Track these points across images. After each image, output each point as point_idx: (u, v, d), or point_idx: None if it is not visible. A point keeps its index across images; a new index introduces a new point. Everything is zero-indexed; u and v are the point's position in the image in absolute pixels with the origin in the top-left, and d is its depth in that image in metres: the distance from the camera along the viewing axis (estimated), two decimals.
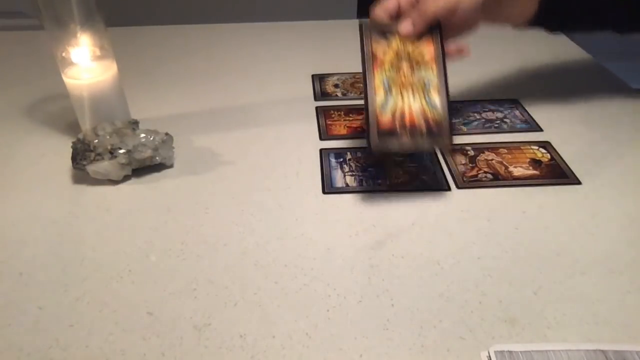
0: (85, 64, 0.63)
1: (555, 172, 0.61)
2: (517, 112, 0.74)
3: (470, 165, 0.63)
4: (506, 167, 0.62)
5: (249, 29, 1.07)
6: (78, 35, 0.60)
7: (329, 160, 0.64)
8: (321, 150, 0.66)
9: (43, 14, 0.57)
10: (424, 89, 0.56)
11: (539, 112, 0.74)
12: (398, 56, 0.57)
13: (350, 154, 0.65)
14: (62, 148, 0.64)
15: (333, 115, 0.75)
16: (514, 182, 0.58)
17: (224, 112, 0.76)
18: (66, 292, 0.46)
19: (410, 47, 0.57)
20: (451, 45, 0.60)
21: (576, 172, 0.61)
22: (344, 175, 0.61)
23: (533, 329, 0.43)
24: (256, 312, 0.45)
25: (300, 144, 0.68)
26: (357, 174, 0.62)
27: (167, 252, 0.51)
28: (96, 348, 0.41)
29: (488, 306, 0.45)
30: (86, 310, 0.45)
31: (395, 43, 0.58)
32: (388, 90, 0.55)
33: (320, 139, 0.69)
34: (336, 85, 0.83)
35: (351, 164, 0.64)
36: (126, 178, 0.61)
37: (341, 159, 0.64)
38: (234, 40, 1.02)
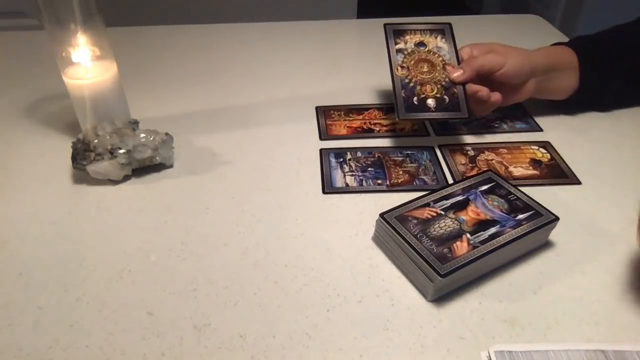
0: (85, 64, 0.63)
1: (555, 172, 0.61)
2: (517, 112, 0.74)
3: (470, 165, 0.63)
4: (506, 167, 0.62)
5: (249, 29, 1.07)
6: (78, 35, 0.60)
7: (329, 160, 0.64)
8: (321, 150, 0.67)
9: (43, 14, 0.57)
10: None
11: (539, 112, 0.74)
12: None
13: (350, 154, 0.65)
14: (62, 148, 0.64)
15: (333, 115, 0.75)
16: (514, 182, 0.58)
17: (224, 112, 0.76)
18: (66, 292, 0.46)
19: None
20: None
21: (576, 172, 0.61)
22: (344, 175, 0.61)
23: (533, 329, 0.43)
24: (256, 312, 0.45)
25: (300, 144, 0.68)
26: (357, 174, 0.62)
27: (167, 252, 0.51)
28: (96, 348, 0.41)
29: (488, 306, 0.45)
30: (86, 310, 0.45)
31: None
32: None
33: (320, 139, 0.69)
34: None
35: (351, 164, 0.64)
36: (126, 178, 0.61)
37: (341, 159, 0.64)
38: (234, 40, 1.02)
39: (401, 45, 0.69)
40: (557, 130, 0.70)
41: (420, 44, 0.69)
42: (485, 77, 0.65)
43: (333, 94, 0.81)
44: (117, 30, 1.00)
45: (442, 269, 0.43)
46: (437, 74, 0.66)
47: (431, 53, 0.68)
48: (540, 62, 0.66)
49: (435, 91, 0.65)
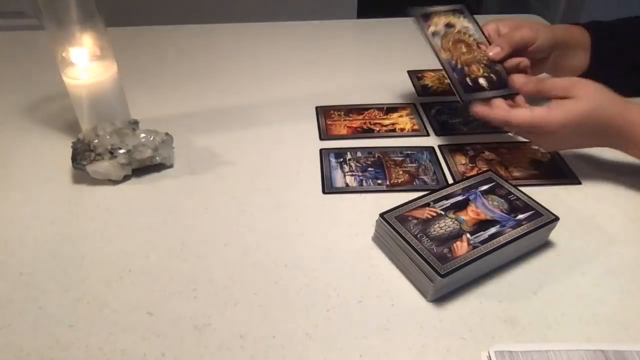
0: (85, 64, 0.63)
1: (555, 172, 0.61)
2: None
3: (470, 165, 0.63)
4: (506, 167, 0.62)
5: (249, 29, 1.07)
6: (78, 35, 0.60)
7: (329, 160, 0.64)
8: (321, 150, 0.66)
9: (43, 14, 0.57)
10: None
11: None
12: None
13: (350, 154, 0.65)
14: (62, 148, 0.64)
15: (333, 115, 0.75)
16: (514, 182, 0.58)
17: (224, 112, 0.76)
18: (66, 292, 0.46)
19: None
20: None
21: (576, 172, 0.61)
22: (344, 175, 0.61)
23: (533, 329, 0.43)
24: (256, 312, 0.45)
25: (300, 144, 0.68)
26: (357, 174, 0.62)
27: (167, 252, 0.51)
28: (96, 348, 0.41)
29: (488, 306, 0.45)
30: (86, 310, 0.45)
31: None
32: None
33: (320, 139, 0.69)
34: None
35: (351, 164, 0.64)
36: (126, 178, 0.61)
37: (341, 159, 0.64)
38: (234, 40, 1.02)
39: (433, 28, 0.68)
40: None
41: (449, 25, 0.68)
42: (516, 52, 0.64)
43: (333, 94, 0.81)
44: (117, 30, 1.00)
45: (442, 269, 0.43)
46: (476, 54, 0.65)
47: (462, 33, 0.68)
48: (561, 38, 0.67)
49: (482, 71, 0.64)
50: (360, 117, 0.74)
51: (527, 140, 0.67)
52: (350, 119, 0.74)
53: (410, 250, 0.46)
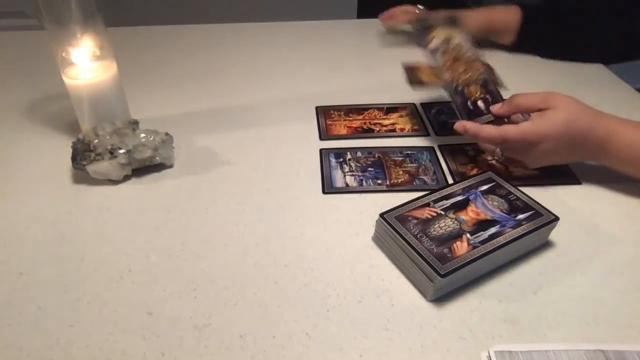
0: (85, 64, 0.63)
1: (555, 172, 0.61)
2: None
3: (470, 165, 0.63)
4: (506, 167, 0.62)
5: (249, 29, 1.07)
6: (78, 35, 0.60)
7: (329, 160, 0.64)
8: (321, 150, 0.66)
9: (43, 14, 0.57)
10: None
11: None
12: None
13: (350, 154, 0.65)
14: (62, 148, 0.64)
15: (333, 115, 0.75)
16: (514, 182, 0.58)
17: (224, 112, 0.76)
18: (66, 292, 0.46)
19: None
20: None
21: (576, 172, 0.61)
22: (344, 175, 0.61)
23: (533, 329, 0.43)
24: (256, 312, 0.45)
25: (300, 144, 0.68)
26: (357, 174, 0.62)
27: (167, 252, 0.51)
28: (96, 348, 0.41)
29: (488, 306, 0.45)
30: (86, 310, 0.45)
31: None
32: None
33: (320, 139, 0.69)
34: None
35: (351, 164, 0.64)
36: (126, 178, 0.61)
37: (341, 159, 0.64)
38: (234, 40, 1.02)
39: (433, 44, 0.67)
40: None
41: (445, 40, 0.68)
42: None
43: (333, 94, 0.81)
44: (117, 30, 1.00)
45: (442, 269, 0.43)
46: (471, 73, 0.65)
47: (459, 49, 0.67)
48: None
49: (479, 92, 0.63)
50: (360, 117, 0.74)
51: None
52: (350, 119, 0.74)
53: (410, 250, 0.46)
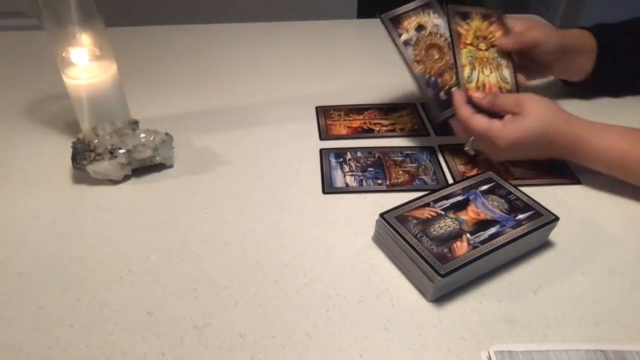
0: (85, 64, 0.63)
1: (554, 172, 0.61)
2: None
3: (470, 165, 0.63)
4: (506, 168, 0.62)
5: (249, 29, 1.07)
6: (78, 35, 0.60)
7: (329, 160, 0.64)
8: (321, 150, 0.66)
9: (43, 14, 0.57)
10: (498, 65, 0.64)
11: None
12: (476, 35, 0.65)
13: (350, 154, 0.65)
14: (62, 148, 0.64)
15: (333, 115, 0.75)
16: (514, 182, 0.58)
17: (224, 112, 0.76)
18: (66, 292, 0.46)
19: (485, 29, 0.66)
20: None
21: (576, 172, 0.61)
22: (344, 175, 0.61)
23: (533, 329, 0.43)
24: (256, 312, 0.45)
25: (300, 144, 0.68)
26: (357, 174, 0.62)
27: (167, 252, 0.51)
28: (96, 348, 0.41)
29: (488, 306, 0.45)
30: (86, 310, 0.45)
31: (474, 24, 0.65)
32: (472, 65, 0.63)
33: (320, 139, 0.69)
34: None
35: (351, 164, 0.64)
36: (126, 178, 0.61)
37: (341, 159, 0.64)
38: (234, 40, 1.02)
39: (405, 36, 0.66)
40: None
41: (419, 27, 0.66)
42: (525, 50, 0.66)
43: (333, 94, 0.81)
44: (117, 30, 1.00)
45: (442, 269, 0.43)
46: (448, 58, 0.64)
47: (433, 35, 0.66)
48: (568, 42, 0.69)
49: (454, 78, 0.63)
50: (360, 117, 0.74)
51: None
52: (350, 119, 0.74)
53: (410, 250, 0.46)
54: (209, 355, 0.41)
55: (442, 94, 0.63)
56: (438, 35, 0.66)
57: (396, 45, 0.66)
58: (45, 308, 0.45)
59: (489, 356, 0.40)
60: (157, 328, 0.43)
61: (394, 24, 0.66)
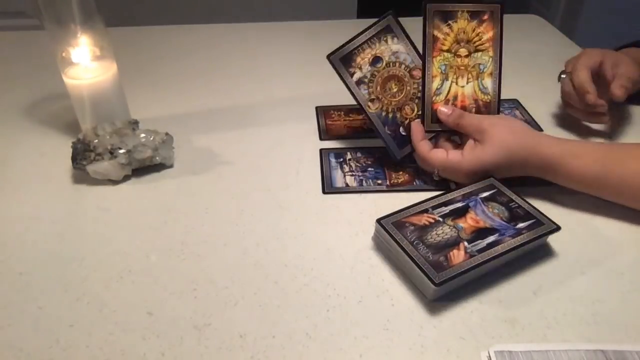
0: (85, 64, 0.63)
1: None
2: (517, 112, 0.74)
3: None
4: None
5: (249, 29, 1.07)
6: (78, 35, 0.60)
7: (329, 160, 0.64)
8: (321, 150, 0.67)
9: (43, 14, 0.57)
10: (478, 73, 0.60)
11: (539, 112, 0.74)
12: (457, 40, 0.59)
13: (350, 154, 0.65)
14: (62, 148, 0.64)
15: (333, 115, 0.75)
16: (514, 184, 0.58)
17: (224, 112, 0.76)
18: (66, 292, 0.46)
19: (470, 32, 0.60)
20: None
21: None
22: (344, 175, 0.61)
23: (533, 329, 0.43)
24: (256, 312, 0.45)
25: (300, 144, 0.68)
26: (357, 174, 0.62)
27: (167, 252, 0.51)
28: (96, 348, 0.41)
29: (488, 306, 0.45)
30: (86, 310, 0.45)
31: (457, 25, 0.59)
32: (445, 75, 0.60)
33: (320, 139, 0.69)
34: None
35: (351, 164, 0.64)
36: (126, 178, 0.61)
37: (341, 159, 0.64)
38: (234, 40, 1.02)
39: (358, 74, 0.61)
40: (557, 131, 0.70)
41: (375, 60, 0.61)
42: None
43: (333, 94, 0.80)
44: (117, 30, 1.00)
45: (437, 277, 0.43)
46: (408, 88, 0.61)
47: (391, 65, 0.61)
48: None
49: (415, 109, 0.61)
50: (360, 117, 0.74)
51: None
52: (350, 119, 0.74)
53: (406, 258, 0.45)
54: (209, 355, 0.41)
55: (401, 129, 0.61)
56: (397, 64, 0.61)
57: (347, 86, 0.62)
58: (45, 308, 0.45)
59: (489, 356, 0.40)
60: (157, 328, 0.43)
61: (345, 63, 0.62)
